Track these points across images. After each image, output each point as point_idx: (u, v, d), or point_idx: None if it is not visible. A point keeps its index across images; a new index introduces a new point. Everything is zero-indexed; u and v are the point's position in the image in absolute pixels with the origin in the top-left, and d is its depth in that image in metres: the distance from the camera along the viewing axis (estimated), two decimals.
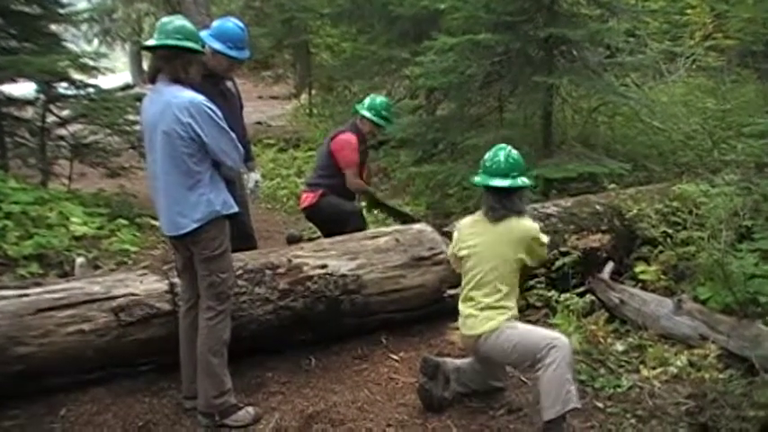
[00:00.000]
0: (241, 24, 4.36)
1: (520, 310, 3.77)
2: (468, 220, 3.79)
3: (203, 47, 3.64)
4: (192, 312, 3.61)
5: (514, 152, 3.63)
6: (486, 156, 3.64)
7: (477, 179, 3.64)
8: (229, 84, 4.60)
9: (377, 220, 6.68)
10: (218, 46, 4.22)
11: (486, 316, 3.49)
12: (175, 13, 10.98)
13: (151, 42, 3.41)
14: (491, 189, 3.57)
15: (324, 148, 5.59)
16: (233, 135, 3.45)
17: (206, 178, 3.42)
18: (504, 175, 3.54)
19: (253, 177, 4.94)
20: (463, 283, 3.68)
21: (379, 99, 5.59)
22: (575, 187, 5.95)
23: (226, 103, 4.06)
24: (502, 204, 3.56)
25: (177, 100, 3.33)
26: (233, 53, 4.26)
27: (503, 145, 3.69)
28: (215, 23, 4.36)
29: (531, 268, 3.92)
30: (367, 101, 5.58)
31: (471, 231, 3.69)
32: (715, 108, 7.05)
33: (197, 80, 3.49)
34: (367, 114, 5.46)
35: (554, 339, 3.33)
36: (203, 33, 4.04)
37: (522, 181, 3.59)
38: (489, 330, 3.47)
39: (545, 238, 3.69)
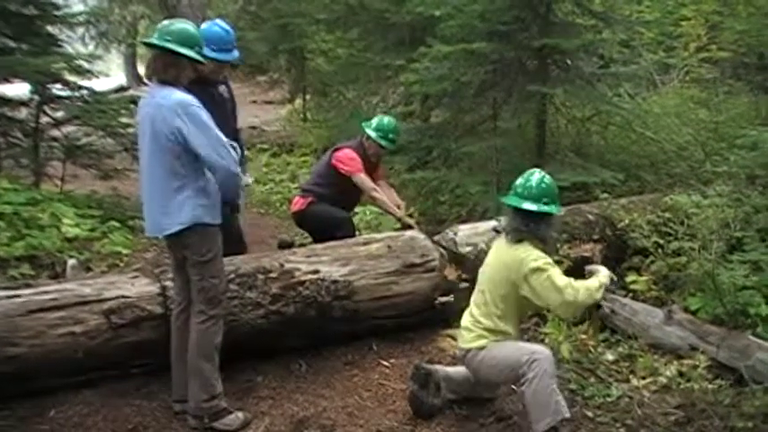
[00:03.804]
0: (226, 26, 4.32)
1: None
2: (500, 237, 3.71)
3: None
4: (183, 315, 3.60)
5: (548, 178, 3.54)
6: (519, 179, 3.56)
7: (506, 200, 3.55)
8: (222, 88, 4.58)
9: (369, 226, 6.68)
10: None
11: (480, 334, 3.49)
12: (171, 16, 11.05)
13: (149, 40, 3.41)
14: (519, 211, 3.48)
15: (325, 158, 5.50)
16: (224, 139, 3.39)
17: (193, 182, 3.40)
18: (535, 200, 3.45)
19: (243, 180, 4.93)
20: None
21: (387, 120, 5.43)
22: (567, 196, 5.96)
23: (217, 108, 4.03)
24: (528, 228, 3.46)
25: (167, 102, 3.33)
26: (216, 55, 4.19)
27: (536, 169, 3.62)
28: (202, 27, 4.34)
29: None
30: (375, 121, 5.42)
31: (493, 249, 3.68)
32: (708, 119, 7.06)
33: (184, 84, 3.46)
34: (373, 135, 5.31)
35: (534, 353, 3.33)
36: None
37: (551, 208, 3.49)
38: (477, 348, 3.49)
39: (555, 279, 3.37)
